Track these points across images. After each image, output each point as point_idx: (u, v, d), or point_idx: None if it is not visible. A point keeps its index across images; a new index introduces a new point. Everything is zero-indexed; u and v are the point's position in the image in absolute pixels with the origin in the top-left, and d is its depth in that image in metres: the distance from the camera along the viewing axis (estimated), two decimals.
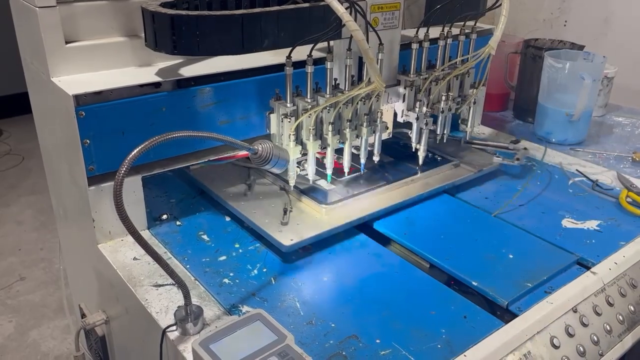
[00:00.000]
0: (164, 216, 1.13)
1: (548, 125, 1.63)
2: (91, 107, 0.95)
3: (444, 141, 1.29)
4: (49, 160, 1.29)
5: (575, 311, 0.93)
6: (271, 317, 0.82)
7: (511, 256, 1.03)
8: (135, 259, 1.01)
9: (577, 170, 1.38)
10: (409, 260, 1.04)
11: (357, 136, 1.09)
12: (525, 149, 1.41)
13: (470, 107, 1.29)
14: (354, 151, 1.13)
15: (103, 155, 0.99)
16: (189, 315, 0.83)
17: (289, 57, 0.97)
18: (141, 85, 1.02)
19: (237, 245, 1.06)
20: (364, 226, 1.13)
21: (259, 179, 1.24)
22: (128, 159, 0.70)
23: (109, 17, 1.07)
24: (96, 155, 0.98)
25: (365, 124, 1.07)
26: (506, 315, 0.91)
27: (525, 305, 0.92)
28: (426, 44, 1.15)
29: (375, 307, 0.91)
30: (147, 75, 1.05)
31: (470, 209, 1.20)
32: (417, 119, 1.18)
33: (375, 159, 1.16)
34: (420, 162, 1.26)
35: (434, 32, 1.15)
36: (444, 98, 1.20)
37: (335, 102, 1.02)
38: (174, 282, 0.94)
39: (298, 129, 1.03)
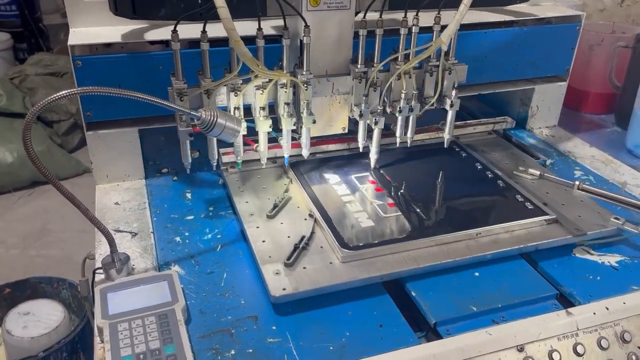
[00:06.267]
0: (164, 169, 1.20)
1: None
2: (88, 57, 1.03)
3: (396, 145, 1.12)
4: None
5: (520, 350, 0.80)
6: (179, 281, 0.85)
7: (477, 274, 0.91)
8: (116, 203, 1.09)
9: None
10: None
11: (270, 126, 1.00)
12: None
13: (448, 111, 1.11)
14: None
15: (99, 104, 1.07)
16: (114, 262, 0.88)
17: (174, 31, 0.92)
18: (152, 42, 1.08)
19: (211, 208, 1.08)
20: None
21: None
22: (35, 107, 0.74)
23: None
24: (93, 103, 1.06)
25: (285, 114, 0.99)
26: (431, 335, 0.81)
27: (458, 329, 0.81)
28: (379, 32, 1.00)
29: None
30: (159, 33, 1.10)
31: None
32: (361, 115, 1.04)
33: (304, 153, 1.06)
34: (372, 165, 1.13)
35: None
36: (403, 96, 1.05)
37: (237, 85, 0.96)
38: (132, 231, 1.02)
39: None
